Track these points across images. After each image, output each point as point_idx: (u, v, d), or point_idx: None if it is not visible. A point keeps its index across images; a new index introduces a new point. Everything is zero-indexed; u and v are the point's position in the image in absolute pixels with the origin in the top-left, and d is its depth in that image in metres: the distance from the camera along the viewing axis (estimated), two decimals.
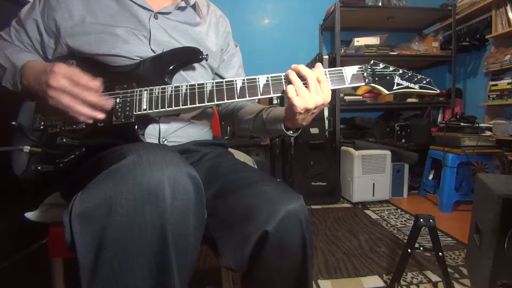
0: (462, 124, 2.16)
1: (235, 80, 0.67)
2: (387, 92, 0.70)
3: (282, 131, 0.73)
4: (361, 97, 2.65)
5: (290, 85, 0.64)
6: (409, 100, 2.67)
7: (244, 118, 0.87)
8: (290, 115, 0.67)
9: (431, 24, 2.90)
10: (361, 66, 0.70)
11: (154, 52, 0.74)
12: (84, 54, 0.70)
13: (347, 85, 0.69)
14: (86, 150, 0.65)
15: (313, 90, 0.63)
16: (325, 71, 0.68)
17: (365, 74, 0.70)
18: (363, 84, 0.70)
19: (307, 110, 0.64)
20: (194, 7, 0.83)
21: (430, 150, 2.37)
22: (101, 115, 0.63)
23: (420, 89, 0.70)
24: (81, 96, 0.60)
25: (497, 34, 2.30)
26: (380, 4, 2.57)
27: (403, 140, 2.56)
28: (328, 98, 0.65)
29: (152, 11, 0.76)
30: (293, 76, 0.64)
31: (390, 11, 2.61)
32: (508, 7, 2.21)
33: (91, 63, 0.71)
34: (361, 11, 2.55)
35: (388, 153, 2.29)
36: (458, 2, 2.61)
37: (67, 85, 0.59)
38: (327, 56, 2.63)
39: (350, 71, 0.69)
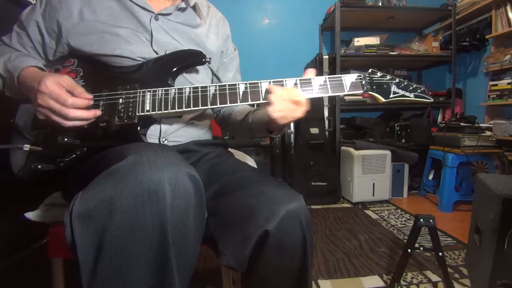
0: (462, 124, 2.16)
1: (238, 84, 0.68)
2: (384, 100, 0.73)
3: (266, 133, 0.77)
4: (361, 97, 2.64)
5: (274, 109, 0.65)
6: None
7: (233, 120, 0.89)
8: (274, 125, 0.69)
9: (431, 24, 2.90)
10: (359, 74, 0.72)
11: (157, 53, 0.74)
12: (86, 53, 0.70)
13: (346, 92, 0.71)
14: (87, 149, 0.65)
15: (293, 109, 0.65)
16: (325, 78, 0.70)
17: (363, 82, 0.72)
18: (362, 92, 0.72)
19: (288, 122, 0.67)
20: (194, 7, 0.83)
21: (430, 150, 2.37)
22: (92, 120, 0.64)
23: (415, 97, 0.73)
24: (69, 116, 0.60)
25: (497, 34, 2.30)
26: (380, 4, 2.57)
27: (403, 140, 2.56)
28: (306, 106, 0.67)
29: (153, 12, 0.76)
30: (277, 100, 0.65)
31: (390, 11, 2.61)
32: (508, 7, 2.20)
33: (93, 63, 0.71)
34: (361, 11, 2.55)
35: (388, 153, 2.29)
36: (458, 2, 2.61)
37: (55, 106, 0.59)
38: (327, 56, 2.63)
39: (349, 79, 0.71)
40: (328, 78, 0.70)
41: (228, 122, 0.93)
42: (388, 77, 0.74)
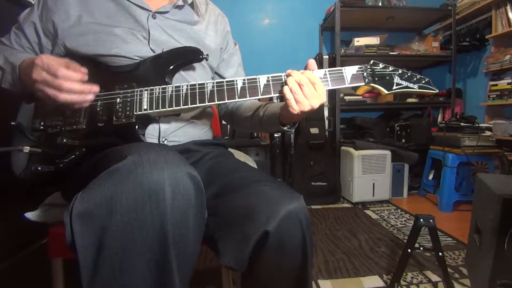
0: (462, 124, 2.16)
1: (236, 80, 0.67)
2: (386, 92, 0.70)
3: (279, 127, 0.74)
4: (361, 97, 2.65)
5: (287, 89, 0.64)
6: (409, 100, 2.67)
7: (242, 115, 0.88)
8: (286, 114, 0.68)
9: (431, 24, 2.90)
10: (361, 66, 0.70)
11: (154, 52, 0.74)
12: (83, 54, 0.70)
13: (347, 85, 0.69)
14: (86, 150, 0.65)
15: (309, 94, 0.63)
16: (325, 71, 0.68)
17: (364, 74, 0.70)
18: (363, 84, 0.70)
19: (303, 112, 0.65)
20: (192, 5, 0.83)
21: (430, 150, 2.37)
22: (90, 97, 0.62)
23: (419, 88, 0.70)
24: (61, 86, 0.59)
25: (497, 34, 2.30)
26: (380, 4, 2.57)
27: (403, 140, 2.57)
28: (324, 98, 0.65)
29: (150, 10, 0.76)
30: (290, 81, 0.64)
31: (390, 11, 2.61)
32: (508, 7, 2.20)
33: (90, 64, 0.70)
34: (361, 11, 2.55)
35: (388, 153, 2.29)
36: (458, 2, 2.61)
37: (47, 77, 0.58)
38: (327, 56, 2.63)
39: (350, 71, 0.69)
40: (328, 71, 0.68)
41: (236, 118, 0.91)
42: (390, 68, 0.71)
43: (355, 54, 2.58)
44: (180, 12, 0.80)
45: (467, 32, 2.59)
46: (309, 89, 0.63)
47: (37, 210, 0.78)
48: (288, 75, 0.65)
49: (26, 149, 0.64)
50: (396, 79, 0.70)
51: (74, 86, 0.60)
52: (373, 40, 2.63)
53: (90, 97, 0.63)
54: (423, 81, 0.71)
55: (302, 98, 0.63)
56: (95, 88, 0.63)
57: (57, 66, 0.59)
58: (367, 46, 2.57)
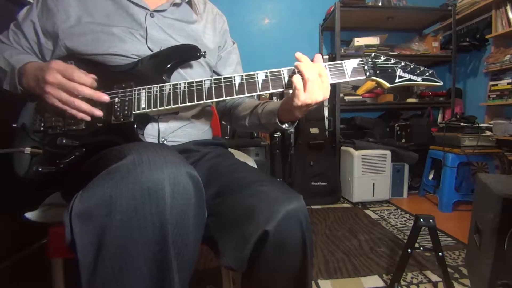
0: (462, 124, 2.16)
1: (234, 77, 0.67)
2: (389, 85, 0.68)
3: (277, 125, 0.72)
4: (361, 97, 2.64)
5: (298, 77, 0.62)
6: (409, 100, 2.67)
7: (240, 114, 0.87)
8: (288, 108, 0.66)
9: (431, 24, 2.90)
10: (362, 59, 0.68)
11: (152, 51, 0.74)
12: (82, 54, 0.71)
13: (347, 79, 0.67)
14: (86, 150, 0.65)
15: (317, 86, 0.62)
16: (325, 65, 0.67)
17: (366, 67, 0.68)
18: (364, 77, 0.68)
19: (307, 105, 0.63)
20: (190, 3, 0.83)
21: (430, 150, 2.37)
22: (98, 112, 0.64)
23: (422, 81, 0.69)
24: (76, 90, 0.61)
25: (497, 34, 2.30)
26: (380, 4, 2.57)
27: (403, 140, 2.56)
28: (327, 93, 0.64)
29: (148, 9, 0.76)
30: (305, 67, 0.61)
31: (390, 11, 2.61)
32: (508, 7, 2.20)
33: (89, 63, 0.71)
34: (361, 11, 2.55)
35: (388, 153, 2.29)
36: (458, 2, 2.61)
37: (62, 80, 0.60)
38: (327, 56, 2.64)
39: (350, 64, 0.68)
40: (328, 64, 0.67)
41: (234, 116, 0.91)
42: (392, 61, 0.69)
43: (355, 54, 2.58)
44: (178, 11, 0.80)
45: (467, 32, 2.59)
46: (317, 79, 0.61)
47: (37, 210, 0.78)
48: (299, 59, 0.63)
49: (27, 150, 0.64)
50: (399, 72, 0.68)
51: (86, 90, 0.62)
52: (373, 40, 2.63)
53: (98, 113, 0.64)
54: (427, 73, 0.69)
55: (312, 87, 0.61)
56: (106, 97, 0.64)
57: (73, 70, 0.61)
58: (367, 46, 2.57)
